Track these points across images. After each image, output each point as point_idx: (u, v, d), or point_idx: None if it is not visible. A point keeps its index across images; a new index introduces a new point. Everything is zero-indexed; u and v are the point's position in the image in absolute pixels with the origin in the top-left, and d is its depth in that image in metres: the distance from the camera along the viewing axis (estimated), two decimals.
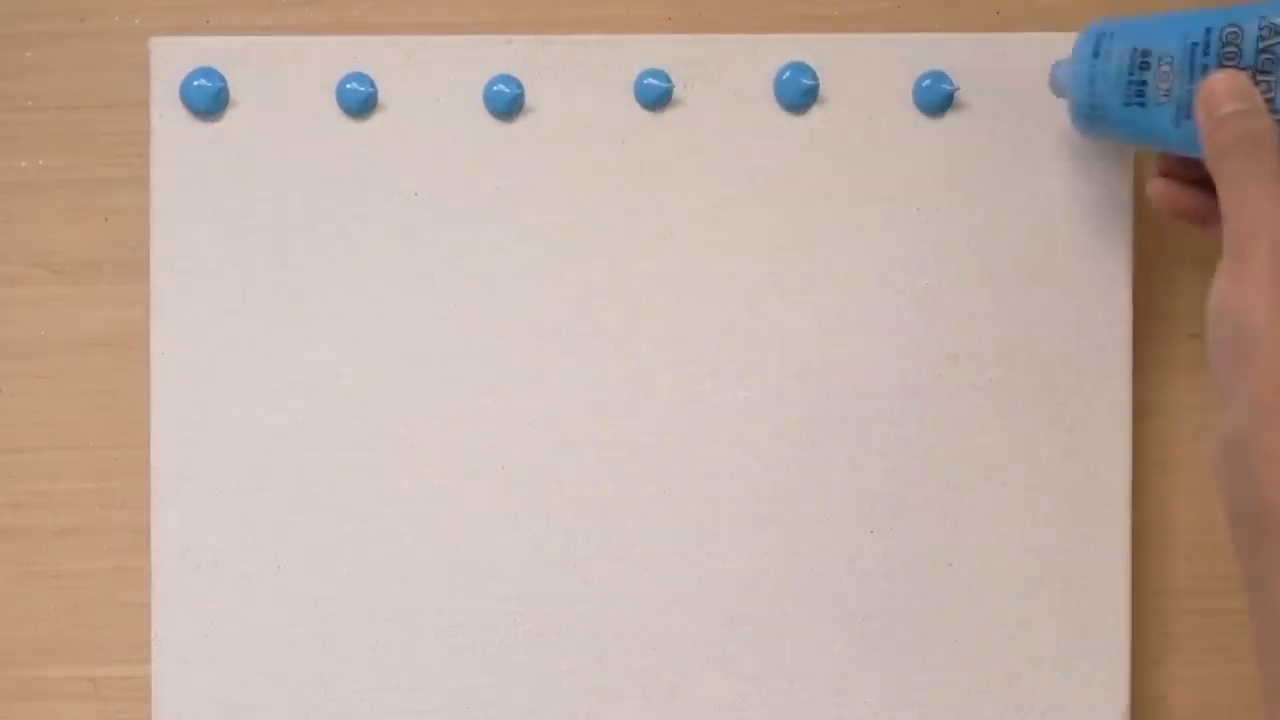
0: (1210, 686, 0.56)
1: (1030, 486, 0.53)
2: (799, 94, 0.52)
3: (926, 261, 0.53)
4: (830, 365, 0.53)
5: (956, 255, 0.53)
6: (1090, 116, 0.48)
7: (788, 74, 0.52)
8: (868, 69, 0.53)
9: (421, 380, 0.53)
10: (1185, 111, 0.45)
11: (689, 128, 0.53)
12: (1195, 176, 0.48)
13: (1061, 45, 0.52)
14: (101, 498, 0.55)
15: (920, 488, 0.53)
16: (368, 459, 0.53)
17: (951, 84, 0.52)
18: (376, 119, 0.53)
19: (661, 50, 0.53)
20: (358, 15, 0.55)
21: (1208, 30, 0.45)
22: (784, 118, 0.53)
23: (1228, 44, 0.44)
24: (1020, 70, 0.53)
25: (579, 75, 0.53)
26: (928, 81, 0.53)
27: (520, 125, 0.53)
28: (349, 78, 0.52)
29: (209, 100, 0.52)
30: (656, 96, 0.52)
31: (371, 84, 0.52)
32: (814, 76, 0.52)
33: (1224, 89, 0.44)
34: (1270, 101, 0.44)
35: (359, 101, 0.52)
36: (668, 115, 0.53)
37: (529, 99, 0.53)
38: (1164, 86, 0.46)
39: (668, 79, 0.52)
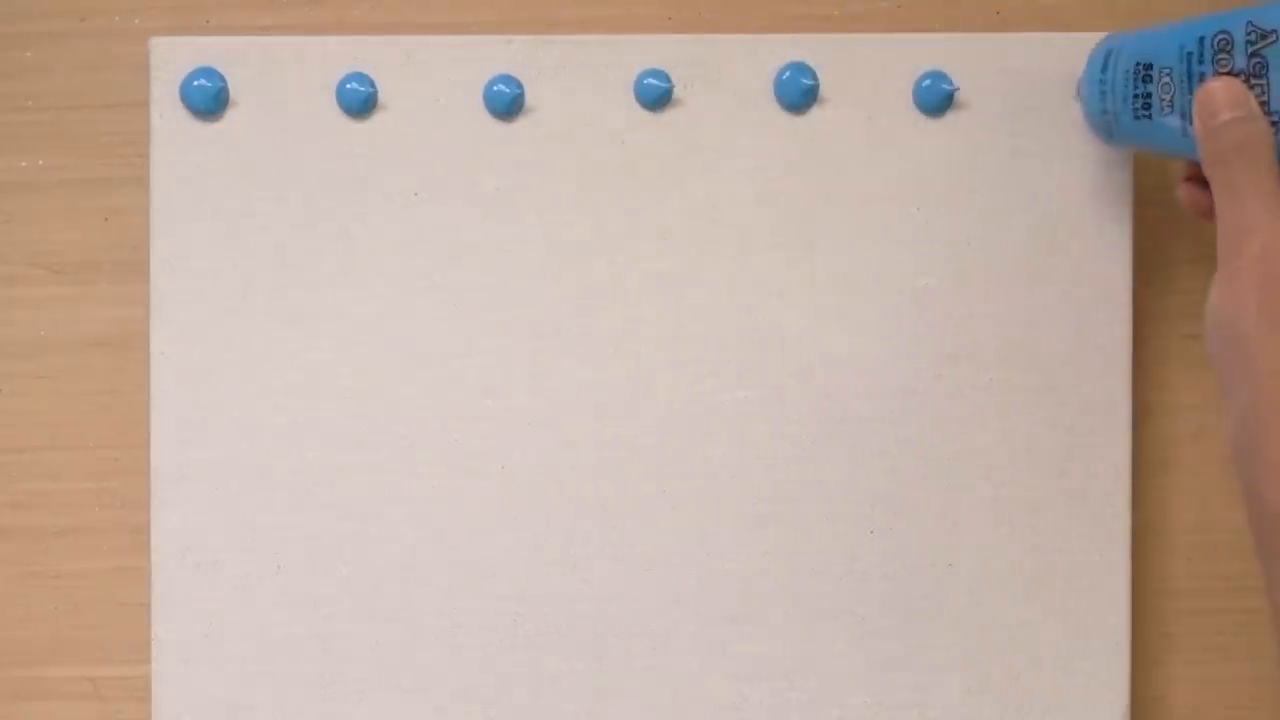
0: (1210, 686, 0.56)
1: (1030, 486, 0.53)
2: (799, 94, 0.52)
3: (926, 261, 0.53)
4: (830, 365, 0.53)
5: (956, 255, 0.53)
6: (1107, 130, 0.50)
7: (788, 74, 0.52)
8: (868, 69, 0.53)
9: (421, 380, 0.53)
10: (1189, 120, 0.46)
11: (689, 128, 0.53)
12: None
13: (1061, 45, 0.52)
14: (101, 498, 0.55)
15: (920, 488, 0.53)
16: (368, 459, 0.53)
17: (951, 84, 0.52)
18: (376, 119, 0.53)
19: (661, 50, 0.53)
20: (358, 15, 0.55)
21: (1201, 39, 0.45)
22: (784, 118, 0.53)
23: (1220, 51, 0.45)
24: (1020, 70, 0.53)
25: (579, 75, 0.53)
26: (928, 81, 0.53)
27: (520, 125, 0.53)
28: (349, 78, 0.52)
29: (209, 100, 0.52)
30: (656, 96, 0.52)
31: (371, 84, 0.52)
32: (814, 76, 0.52)
33: (1218, 96, 0.45)
34: (1264, 105, 0.44)
35: (359, 101, 0.52)
36: (668, 115, 0.53)
37: (529, 99, 0.53)
38: (1167, 97, 0.46)
39: (668, 79, 0.52)
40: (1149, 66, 0.47)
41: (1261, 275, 0.42)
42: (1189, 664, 0.56)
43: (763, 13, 0.55)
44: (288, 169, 0.52)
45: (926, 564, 0.53)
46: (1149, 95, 0.47)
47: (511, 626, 0.53)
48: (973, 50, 0.53)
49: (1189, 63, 0.46)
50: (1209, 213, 0.46)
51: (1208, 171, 0.45)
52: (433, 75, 0.53)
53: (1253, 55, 0.44)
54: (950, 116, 0.53)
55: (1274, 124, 0.44)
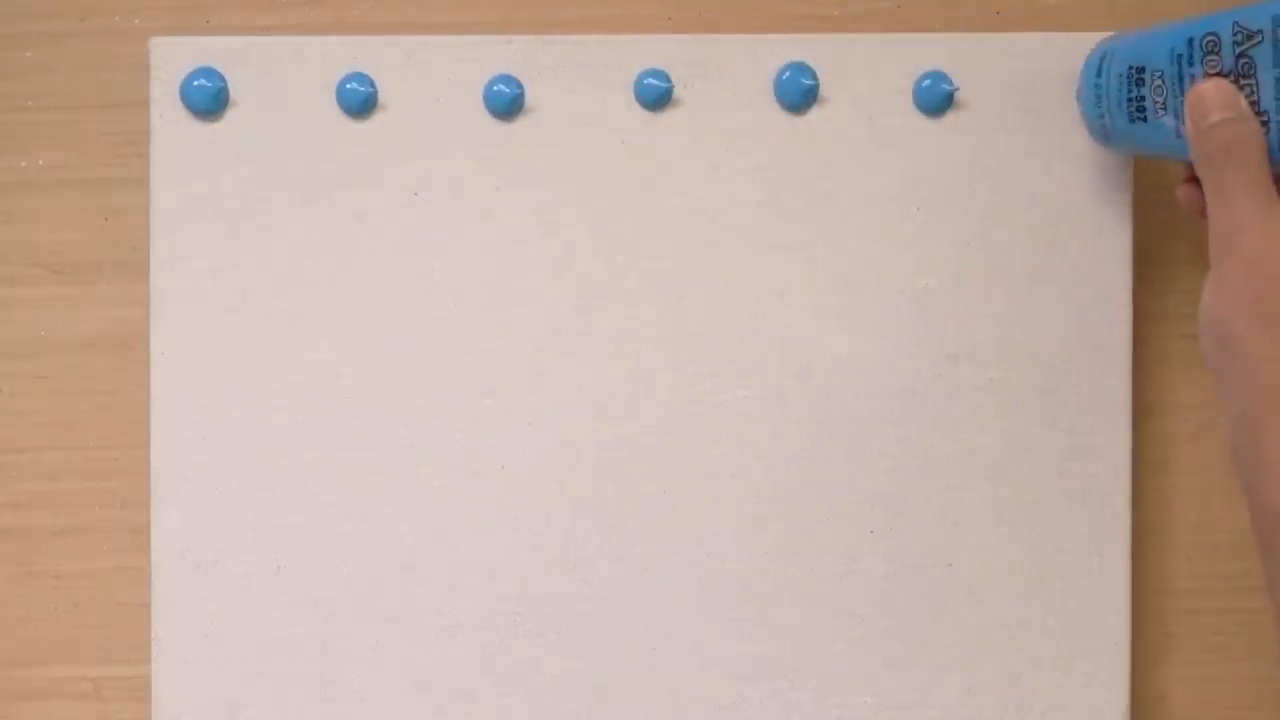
0: (1210, 686, 0.56)
1: (1030, 486, 0.53)
2: (799, 94, 0.52)
3: (926, 261, 0.53)
4: (830, 365, 0.53)
5: (956, 255, 0.53)
6: (1103, 134, 0.50)
7: (788, 74, 0.52)
8: (868, 69, 0.53)
9: (421, 380, 0.53)
10: (1182, 121, 0.46)
11: (689, 128, 0.53)
12: None
13: (1061, 45, 0.52)
14: (101, 498, 0.55)
15: (920, 488, 0.53)
16: (368, 459, 0.53)
17: (951, 84, 0.52)
18: (376, 119, 0.53)
19: (661, 50, 0.53)
20: (358, 15, 0.55)
21: (1190, 41, 0.45)
22: (784, 118, 0.53)
23: (1209, 52, 0.45)
24: (1020, 70, 0.53)
25: (579, 75, 0.53)
26: (928, 81, 0.53)
27: (520, 125, 0.53)
28: (349, 78, 0.52)
29: (209, 100, 0.52)
30: (656, 96, 0.52)
31: (371, 84, 0.52)
32: (814, 76, 0.52)
33: (1208, 98, 0.45)
34: (1254, 104, 0.44)
35: (359, 101, 0.52)
36: (668, 115, 0.53)
37: (529, 99, 0.53)
38: (1159, 100, 0.47)
39: (668, 79, 0.52)
40: (1141, 70, 0.47)
41: (1253, 275, 0.42)
42: (1189, 664, 0.56)
43: (763, 13, 0.55)
44: (288, 169, 0.52)
45: (926, 564, 0.53)
46: (1142, 98, 0.47)
47: (511, 626, 0.53)
48: (973, 50, 0.53)
49: (1179, 65, 0.46)
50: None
51: (1200, 172, 0.45)
52: (433, 75, 0.53)
53: (1240, 56, 0.44)
54: (950, 116, 0.53)
55: (1264, 124, 0.44)
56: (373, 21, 0.55)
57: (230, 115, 0.52)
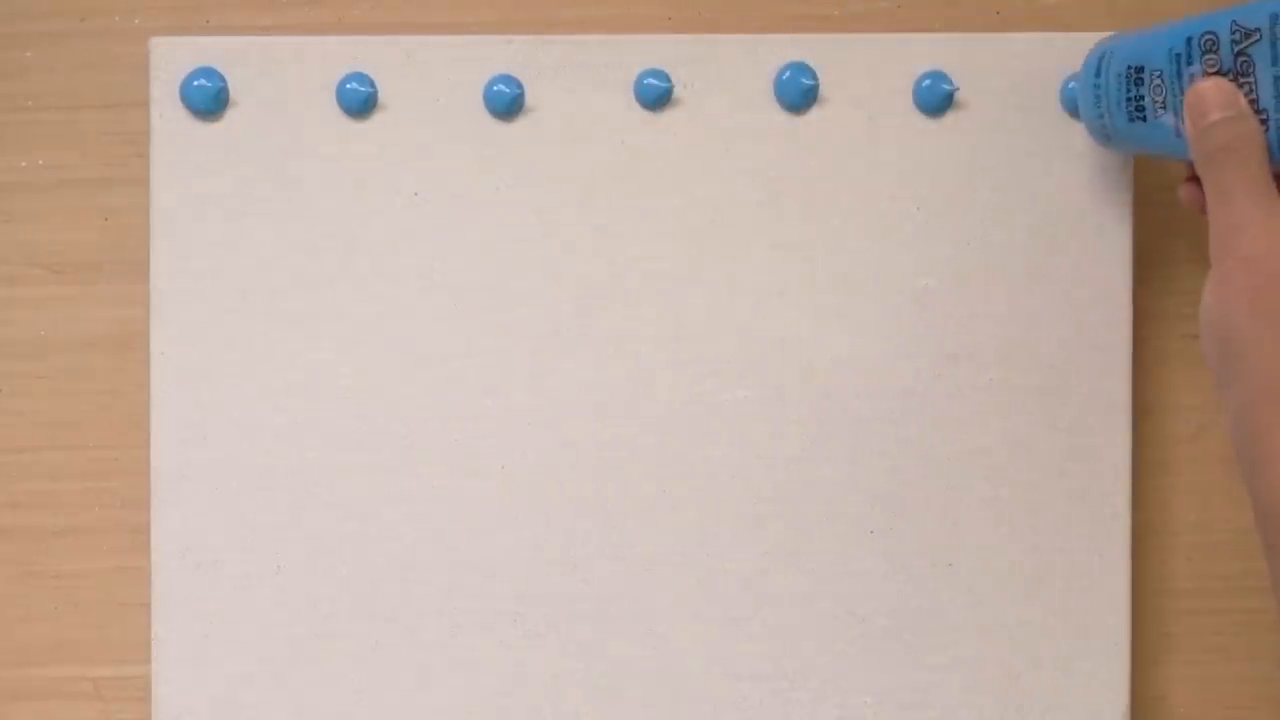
0: (1210, 686, 0.56)
1: (1030, 486, 0.53)
2: (799, 94, 0.52)
3: (926, 261, 0.53)
4: (830, 365, 0.53)
5: (956, 255, 0.53)
6: (1103, 134, 0.50)
7: (788, 74, 0.52)
8: (868, 69, 0.53)
9: (421, 380, 0.53)
10: (1182, 120, 0.46)
11: (689, 128, 0.53)
12: None
13: (1061, 45, 0.52)
14: (101, 498, 0.55)
15: (920, 488, 0.53)
16: (368, 459, 0.53)
17: (951, 84, 0.52)
18: (376, 119, 0.53)
19: (661, 50, 0.53)
20: (358, 15, 0.55)
21: (1188, 40, 0.45)
22: (784, 118, 0.53)
23: (1208, 51, 0.45)
24: (1020, 70, 0.53)
25: (579, 75, 0.53)
26: (928, 81, 0.53)
27: (520, 125, 0.53)
28: (349, 78, 0.52)
29: (209, 100, 0.52)
30: (656, 96, 0.52)
31: (371, 84, 0.52)
32: (814, 76, 0.52)
33: (1208, 97, 0.45)
34: (1253, 103, 0.44)
35: (359, 101, 0.52)
36: (668, 115, 0.53)
37: (529, 99, 0.53)
38: (1159, 99, 0.47)
39: (668, 79, 0.52)
40: (1140, 69, 0.47)
41: (1253, 273, 0.42)
42: (1189, 664, 0.56)
43: (763, 13, 0.55)
44: (288, 169, 0.52)
45: (926, 564, 0.53)
46: (1142, 98, 0.47)
47: (511, 626, 0.53)
48: (973, 50, 0.53)
49: (1178, 64, 0.46)
50: None
51: (1200, 171, 0.45)
52: (433, 75, 0.53)
53: (1238, 54, 0.44)
54: (950, 116, 0.53)
55: (1263, 122, 0.44)
56: (373, 21, 0.55)
57: (230, 115, 0.52)
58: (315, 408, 0.52)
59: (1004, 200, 0.53)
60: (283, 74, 0.52)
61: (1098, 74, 0.49)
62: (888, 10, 0.55)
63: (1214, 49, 0.45)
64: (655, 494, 0.53)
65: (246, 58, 0.52)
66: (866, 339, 0.53)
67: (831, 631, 0.53)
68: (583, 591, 0.53)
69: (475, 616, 0.53)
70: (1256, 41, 0.44)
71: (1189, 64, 0.45)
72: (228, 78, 0.52)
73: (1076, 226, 0.53)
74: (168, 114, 0.52)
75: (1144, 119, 0.47)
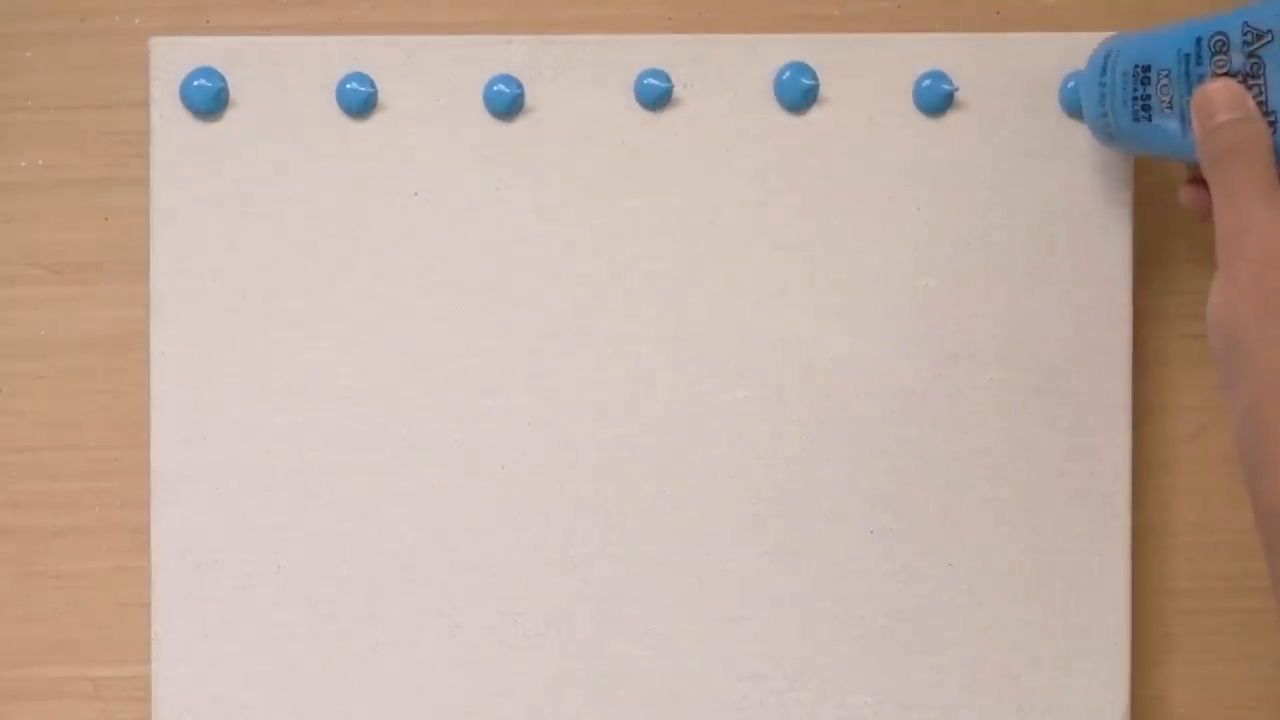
0: (1210, 686, 0.56)
1: (1030, 486, 0.53)
2: (799, 94, 0.52)
3: (926, 261, 0.53)
4: (830, 365, 0.53)
5: (956, 255, 0.53)
6: (1106, 133, 0.50)
7: (788, 74, 0.52)
8: (868, 69, 0.53)
9: (421, 380, 0.53)
10: (1188, 121, 0.46)
11: (689, 128, 0.53)
12: None
13: (1061, 45, 0.52)
14: (101, 498, 0.55)
15: (920, 488, 0.53)
16: (368, 459, 0.53)
17: (951, 84, 0.52)
18: (376, 119, 0.53)
19: (661, 50, 0.53)
20: (358, 15, 0.55)
21: (1198, 40, 0.45)
22: (784, 118, 0.53)
23: (1217, 52, 0.45)
24: (1020, 70, 0.53)
25: (579, 75, 0.53)
26: (928, 81, 0.53)
27: (520, 125, 0.53)
28: (349, 78, 0.52)
29: (209, 100, 0.52)
30: (656, 96, 0.52)
31: (371, 84, 0.52)
32: (814, 76, 0.52)
33: (1216, 98, 0.45)
34: (1262, 105, 0.44)
35: (359, 101, 0.52)
36: (668, 115, 0.53)
37: (529, 99, 0.53)
38: (1165, 99, 0.46)
39: (668, 79, 0.52)
40: (1147, 68, 0.47)
41: (1261, 275, 0.42)
42: (1189, 664, 0.56)
43: (763, 13, 0.55)
44: (288, 169, 0.52)
45: (926, 564, 0.53)
46: (1148, 97, 0.47)
47: (511, 626, 0.53)
48: (973, 50, 0.53)
49: (1186, 64, 0.46)
50: (1211, 214, 0.46)
51: (1206, 173, 0.45)
52: (433, 75, 0.53)
53: (1249, 55, 0.44)
54: (950, 116, 0.53)
55: (1272, 124, 0.44)
56: (373, 21, 0.55)
57: (230, 115, 0.52)
58: (315, 408, 0.52)
59: (1004, 200, 0.53)
60: (283, 74, 0.52)
61: (1103, 72, 0.48)
62: (888, 10, 0.55)
63: (1224, 50, 0.45)
64: (655, 494, 0.53)
65: (246, 58, 0.52)
66: (866, 339, 0.53)
67: (831, 631, 0.53)
68: (583, 591, 0.53)
69: (475, 616, 0.53)
70: (1268, 43, 0.44)
71: (1197, 64, 0.45)
72: (228, 78, 0.52)
73: (1076, 226, 0.53)
74: (168, 114, 0.52)
75: (1149, 119, 0.47)
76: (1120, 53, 0.48)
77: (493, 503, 0.53)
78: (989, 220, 0.53)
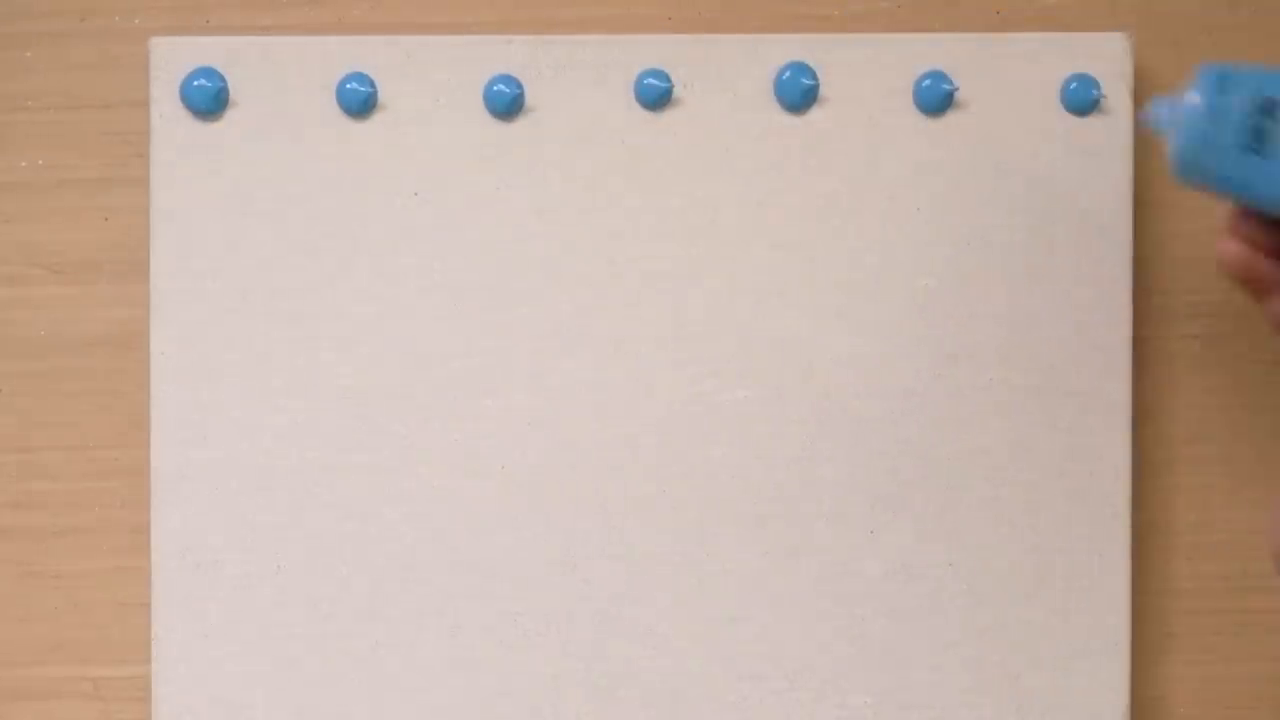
0: (1210, 686, 0.56)
1: (1030, 486, 0.53)
2: (799, 94, 0.52)
3: (926, 261, 0.53)
4: (830, 365, 0.53)
5: (956, 255, 0.53)
6: (1196, 160, 0.45)
7: (788, 74, 0.52)
8: (868, 69, 0.53)
9: (421, 380, 0.53)
10: None
11: (689, 128, 0.53)
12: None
13: (1061, 45, 0.52)
14: (101, 498, 0.55)
15: (920, 488, 0.53)
16: (368, 459, 0.53)
17: (951, 84, 0.52)
18: (376, 119, 0.53)
19: (661, 50, 0.53)
20: (358, 15, 0.55)
21: None
22: (784, 118, 0.53)
23: None
24: (1020, 70, 0.53)
25: (579, 75, 0.53)
26: (928, 81, 0.53)
27: (520, 125, 0.53)
28: (349, 78, 0.52)
29: (209, 100, 0.52)
30: (656, 96, 0.52)
31: (371, 84, 0.52)
32: (814, 76, 0.52)
33: None
34: None
35: (359, 101, 0.52)
36: (668, 115, 0.53)
37: (529, 99, 0.53)
38: None
39: (668, 79, 0.52)
40: (1274, 103, 0.43)
41: None
42: (1189, 664, 0.56)
43: (763, 13, 0.55)
44: (288, 169, 0.52)
45: (926, 564, 0.53)
46: (1265, 131, 0.43)
47: (511, 626, 0.53)
48: (973, 50, 0.53)
49: None
50: (1258, 280, 0.43)
51: None
52: (433, 75, 0.53)
53: None
54: (950, 116, 0.53)
55: None
56: (373, 21, 0.55)
57: (230, 115, 0.52)
58: (315, 408, 0.52)
59: (1004, 200, 0.53)
60: (283, 74, 0.52)
61: (1214, 94, 0.44)
62: (888, 10, 0.55)
63: None
64: (655, 494, 0.53)
65: (246, 58, 0.52)
66: (866, 339, 0.53)
67: (831, 631, 0.53)
68: (583, 591, 0.53)
69: (475, 616, 0.53)
70: None
71: None
72: (228, 78, 0.52)
73: (1076, 226, 0.53)
74: (168, 114, 0.52)
75: (1259, 153, 0.43)
76: (1240, 80, 0.44)
77: (493, 503, 0.53)
78: (989, 220, 0.53)
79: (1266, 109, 0.43)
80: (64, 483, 0.55)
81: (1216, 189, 0.45)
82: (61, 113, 0.55)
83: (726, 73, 0.53)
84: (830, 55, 0.53)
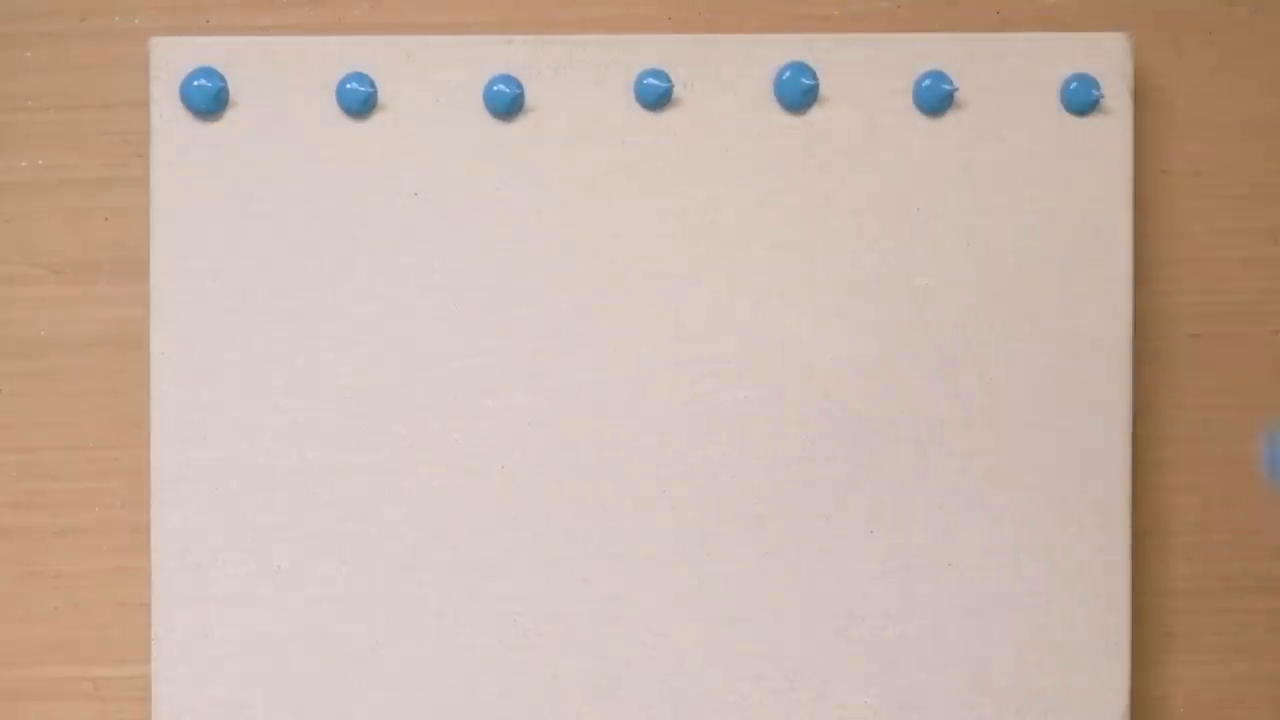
0: (1210, 686, 0.56)
1: (1030, 486, 0.53)
2: (799, 94, 0.52)
3: (926, 261, 0.53)
4: (830, 365, 0.53)
5: (956, 255, 0.53)
6: None
7: (788, 74, 0.52)
8: (868, 69, 0.53)
9: (421, 380, 0.53)
10: None
11: (689, 128, 0.53)
12: None
13: (1061, 46, 0.52)
14: (101, 498, 0.55)
15: (920, 488, 0.53)
16: (368, 459, 0.53)
17: (951, 84, 0.52)
18: (376, 119, 0.53)
19: (661, 50, 0.53)
20: (358, 15, 0.55)
21: None
22: (784, 118, 0.53)
23: None
24: (1020, 70, 0.53)
25: (579, 75, 0.53)
26: (928, 81, 0.53)
27: (520, 125, 0.53)
28: (349, 78, 0.52)
29: (209, 100, 0.52)
30: (656, 96, 0.52)
31: (371, 84, 0.52)
32: (814, 76, 0.52)
33: None
34: None
35: (359, 101, 0.52)
36: (668, 115, 0.53)
37: (529, 99, 0.53)
38: None
39: (668, 79, 0.52)
40: None
41: None
42: (1189, 664, 0.56)
43: (763, 13, 0.55)
44: (288, 169, 0.52)
45: (926, 564, 0.53)
46: None
47: (511, 626, 0.53)
48: (973, 50, 0.53)
49: None
50: None
51: None
52: (433, 75, 0.53)
53: None
54: (950, 116, 0.53)
55: None
56: (373, 21, 0.55)
57: (230, 115, 0.52)
58: (315, 408, 0.52)
59: (1004, 200, 0.53)
60: (283, 74, 0.52)
61: None
62: (888, 10, 0.55)
63: None
64: (655, 494, 0.53)
65: (246, 58, 0.52)
66: (866, 339, 0.53)
67: (831, 631, 0.53)
68: (583, 591, 0.53)
69: (475, 616, 0.53)
70: None
71: None
72: (228, 78, 0.52)
73: (1076, 226, 0.53)
74: (168, 114, 0.52)
75: None
76: None
77: (493, 503, 0.53)
78: (989, 220, 0.53)
79: None
80: (64, 483, 0.55)
81: None
82: (61, 113, 0.55)
83: (726, 73, 0.53)
84: (830, 55, 0.53)
